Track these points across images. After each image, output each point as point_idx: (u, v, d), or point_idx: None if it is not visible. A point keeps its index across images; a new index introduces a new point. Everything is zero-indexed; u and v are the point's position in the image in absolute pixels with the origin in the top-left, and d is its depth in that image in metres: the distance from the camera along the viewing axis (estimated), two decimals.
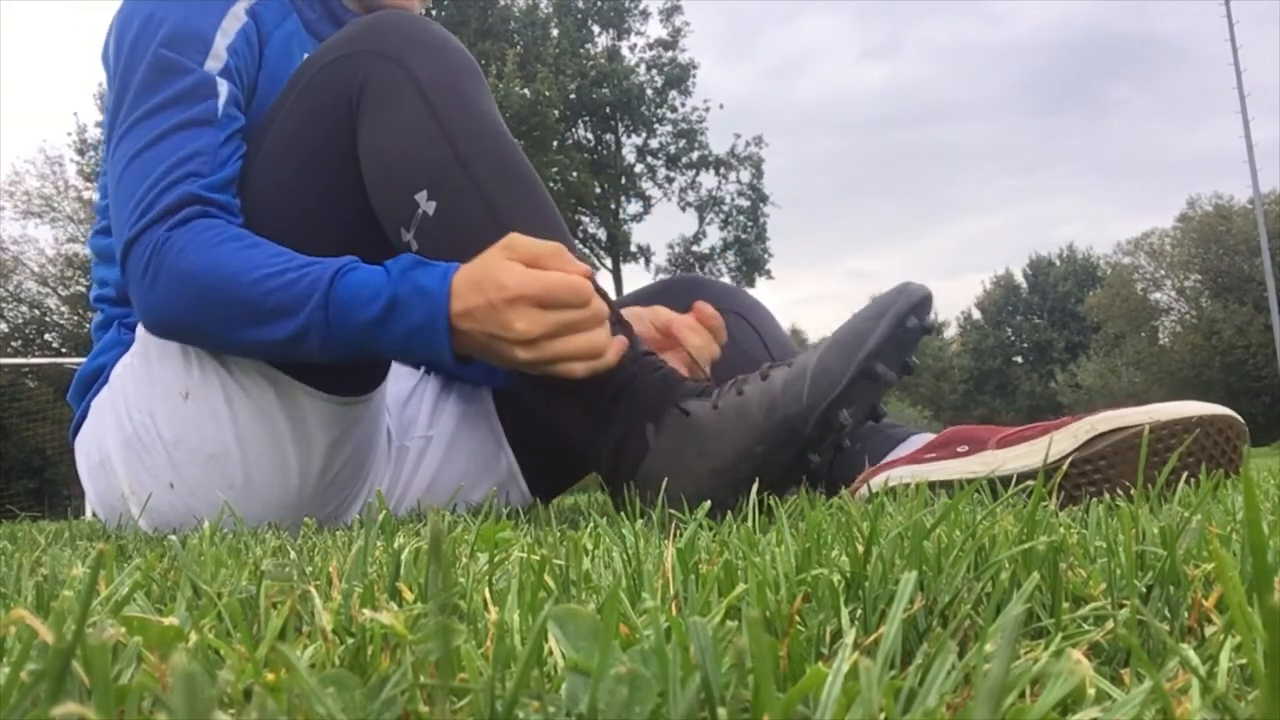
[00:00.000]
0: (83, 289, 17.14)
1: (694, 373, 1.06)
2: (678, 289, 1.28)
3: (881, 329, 0.83)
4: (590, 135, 20.81)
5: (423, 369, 1.38)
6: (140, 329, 1.15)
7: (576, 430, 0.94)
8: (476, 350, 0.92)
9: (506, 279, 0.88)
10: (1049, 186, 61.25)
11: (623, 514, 0.65)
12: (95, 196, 1.29)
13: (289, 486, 1.09)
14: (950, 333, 38.65)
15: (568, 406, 0.94)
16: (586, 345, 0.89)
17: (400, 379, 1.32)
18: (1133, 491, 0.74)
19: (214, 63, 1.07)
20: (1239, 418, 0.85)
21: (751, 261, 20.81)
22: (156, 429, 1.08)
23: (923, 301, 0.85)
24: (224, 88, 1.06)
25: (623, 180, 20.72)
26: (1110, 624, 0.33)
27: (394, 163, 0.96)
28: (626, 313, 1.13)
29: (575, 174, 18.82)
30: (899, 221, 61.80)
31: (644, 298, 1.29)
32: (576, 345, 0.89)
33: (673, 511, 0.66)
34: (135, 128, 1.04)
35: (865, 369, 0.81)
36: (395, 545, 0.50)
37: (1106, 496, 0.81)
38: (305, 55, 1.18)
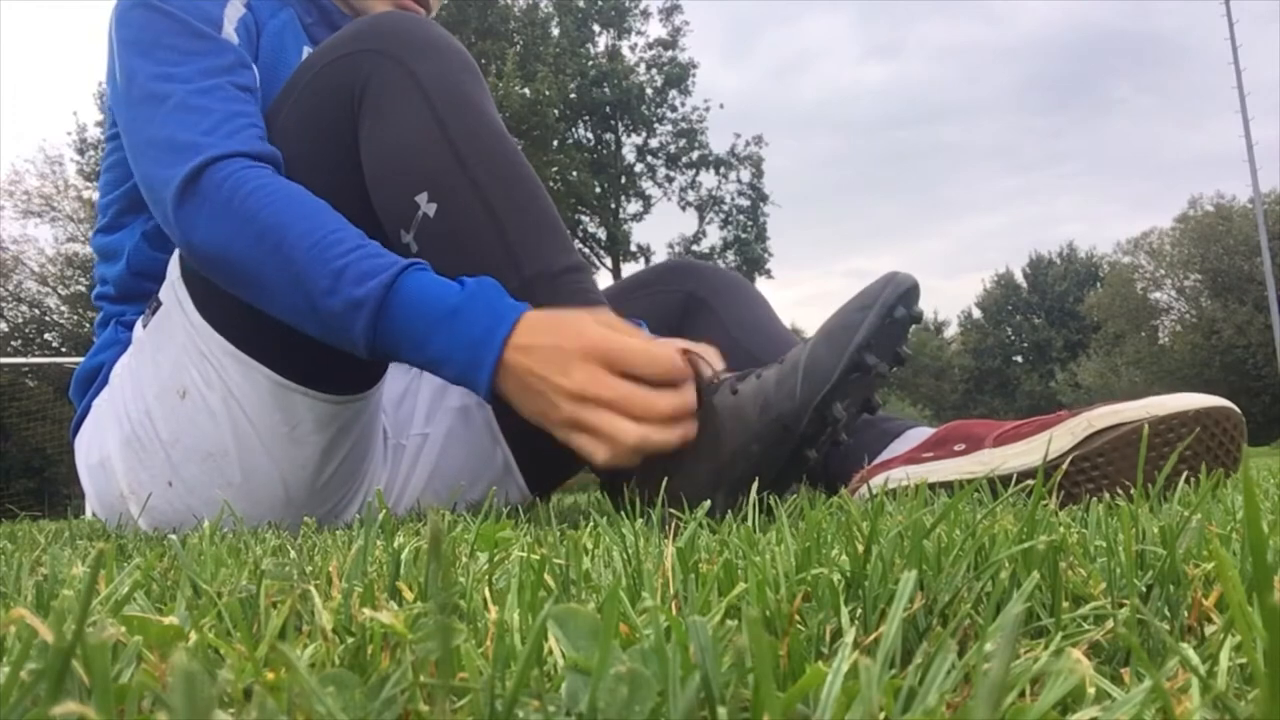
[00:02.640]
0: (83, 289, 17.15)
1: None
2: (671, 274, 1.28)
3: (870, 320, 0.82)
4: (590, 135, 20.82)
5: (414, 369, 1.38)
6: (138, 328, 1.16)
7: None
8: (517, 390, 0.87)
9: (587, 330, 0.85)
10: (1050, 186, 61.32)
11: (623, 513, 0.65)
12: (95, 196, 1.29)
13: (286, 485, 1.09)
14: (950, 332, 38.67)
15: None
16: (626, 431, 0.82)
17: (395, 378, 1.32)
18: (1132, 490, 0.74)
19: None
20: (1235, 408, 0.85)
21: (751, 261, 20.83)
22: (154, 428, 1.08)
23: (910, 290, 0.85)
24: (253, 67, 1.07)
25: (623, 180, 20.73)
26: (1110, 623, 0.33)
27: (395, 164, 0.96)
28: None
29: (575, 173, 18.83)
30: (900, 220, 61.86)
31: (637, 284, 1.29)
32: (617, 425, 0.82)
33: (672, 511, 0.66)
34: (184, 78, 1.00)
35: (856, 361, 0.81)
36: (395, 544, 0.50)
37: (1106, 495, 0.81)
38: (300, 49, 1.18)
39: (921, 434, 1.03)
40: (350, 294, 0.88)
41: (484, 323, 0.86)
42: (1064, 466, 0.84)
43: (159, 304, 1.12)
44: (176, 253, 1.11)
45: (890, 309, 0.83)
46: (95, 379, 1.21)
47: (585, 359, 0.84)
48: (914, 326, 0.87)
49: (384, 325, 0.88)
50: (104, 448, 1.14)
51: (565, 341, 0.84)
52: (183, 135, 0.97)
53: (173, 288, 1.09)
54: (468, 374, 0.88)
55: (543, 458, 1.30)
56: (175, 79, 1.01)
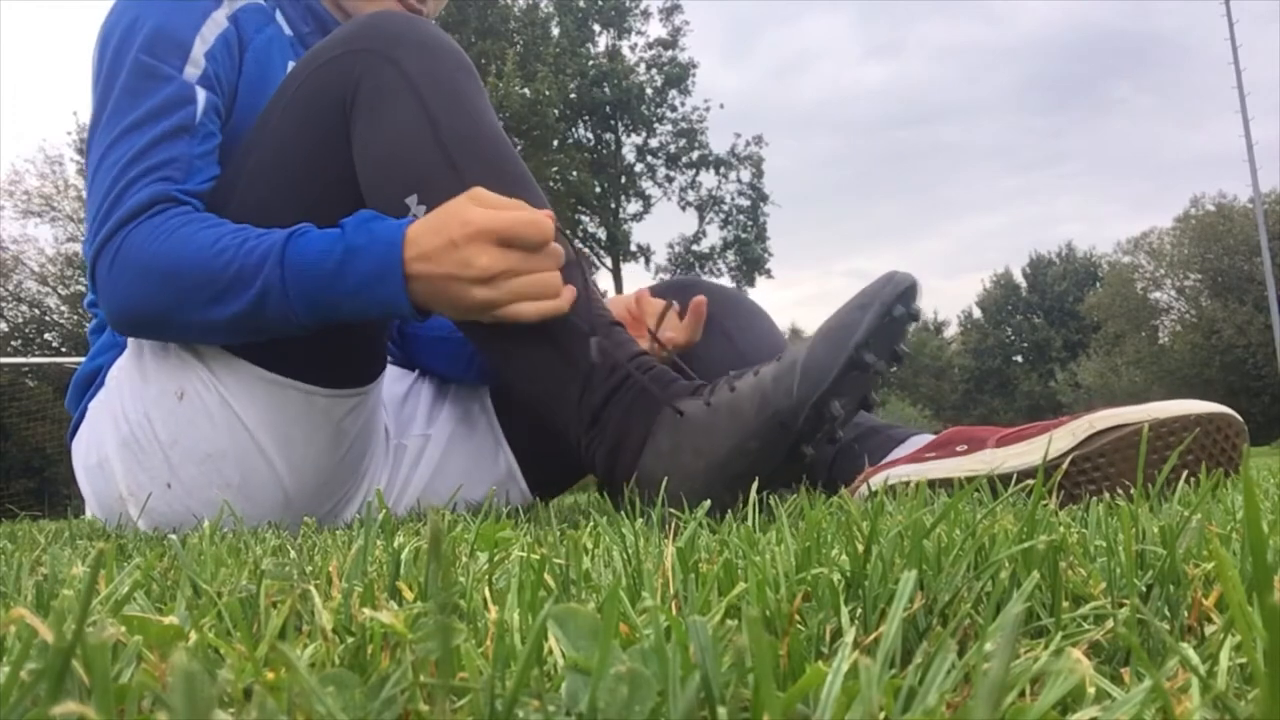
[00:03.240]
0: (82, 288, 17.15)
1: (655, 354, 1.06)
2: (676, 291, 1.28)
3: (869, 319, 0.83)
4: (590, 135, 20.83)
5: (416, 371, 1.38)
6: None
7: (571, 431, 0.94)
8: (433, 297, 0.92)
9: (471, 216, 0.89)
10: (1051, 186, 61.33)
11: (623, 513, 0.65)
12: None
13: (285, 485, 1.09)
14: (950, 331, 38.68)
15: (562, 407, 0.94)
16: (540, 284, 0.90)
17: (397, 379, 1.32)
18: (1132, 490, 0.74)
19: (192, 69, 1.07)
20: (1237, 416, 0.85)
21: (751, 261, 20.83)
22: (153, 430, 1.08)
23: (909, 289, 0.85)
24: (202, 96, 1.07)
25: (623, 180, 20.74)
26: (1110, 623, 0.33)
27: (386, 166, 0.96)
28: (610, 300, 1.13)
29: (575, 173, 18.84)
30: (901, 220, 61.87)
31: None
32: (531, 282, 0.90)
33: (672, 511, 0.66)
34: (113, 141, 1.05)
35: (854, 360, 0.81)
36: (395, 544, 0.50)
37: (1106, 495, 0.81)
38: (288, 62, 1.17)
39: (925, 440, 1.04)
40: (250, 293, 0.94)
41: (375, 253, 0.92)
42: (1064, 466, 0.84)
43: None
44: None
45: (889, 308, 0.83)
46: (93, 383, 1.21)
47: (476, 241, 0.89)
48: (914, 325, 0.87)
49: (295, 300, 0.94)
50: (102, 449, 1.14)
51: (454, 233, 0.90)
52: (93, 218, 1.04)
53: None
54: (389, 308, 0.93)
55: (546, 462, 1.29)
56: (107, 142, 1.05)
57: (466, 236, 0.89)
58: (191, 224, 0.98)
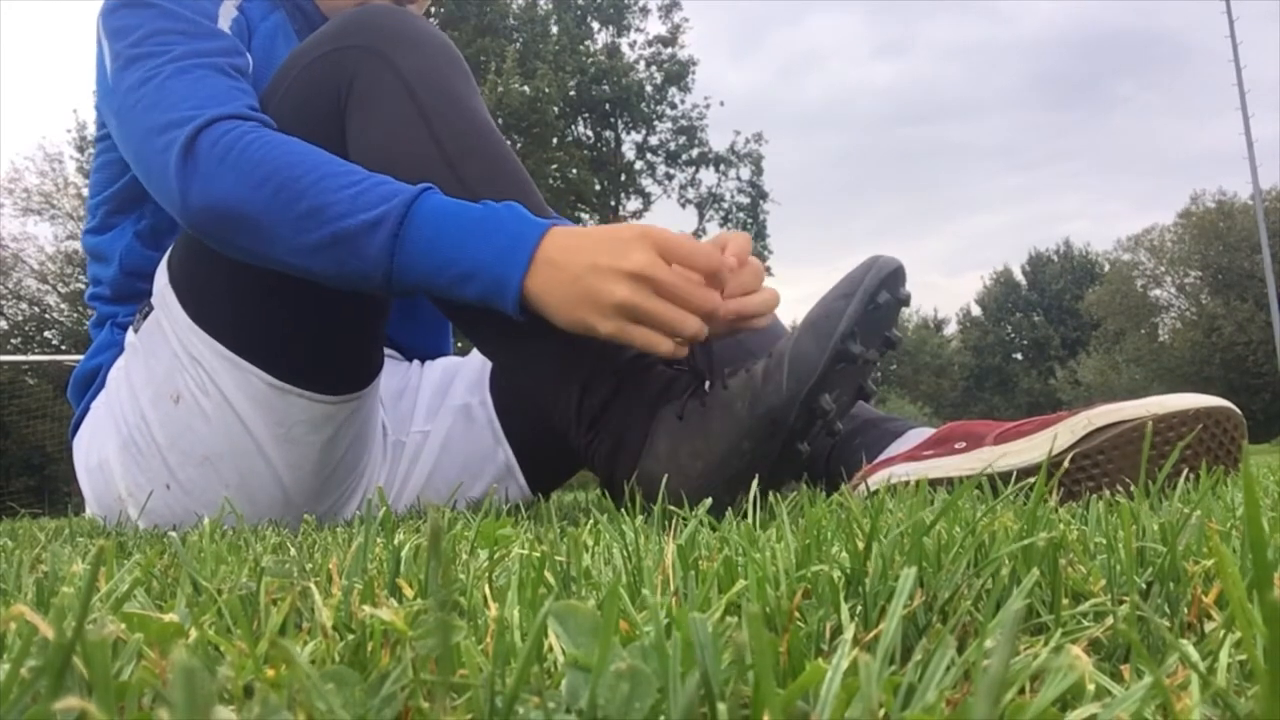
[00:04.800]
0: (82, 286, 17.14)
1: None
2: None
3: (852, 309, 0.80)
4: (590, 132, 20.81)
5: (414, 361, 1.38)
6: (130, 333, 1.15)
7: (571, 432, 0.94)
8: (558, 283, 0.83)
9: (636, 223, 0.84)
10: (1056, 183, 61.34)
11: (623, 510, 0.65)
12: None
13: (284, 485, 1.09)
14: (950, 329, 38.67)
15: (562, 410, 0.94)
16: (679, 318, 0.82)
17: (392, 374, 1.32)
18: (1132, 487, 0.74)
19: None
20: (1236, 409, 0.85)
21: None
22: (150, 432, 1.08)
23: (893, 274, 0.83)
24: (247, 55, 1.07)
25: (622, 177, 20.72)
26: (1110, 620, 0.33)
27: (381, 164, 0.94)
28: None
29: (575, 171, 18.83)
30: (905, 218, 61.89)
31: None
32: (675, 312, 0.81)
33: (672, 508, 0.66)
34: (187, 52, 1.00)
35: (840, 352, 0.79)
36: (395, 542, 0.50)
37: (1106, 493, 0.81)
38: (290, 50, 1.18)
39: (923, 434, 1.03)
40: (368, 214, 0.86)
41: (516, 228, 0.85)
42: (1064, 464, 0.84)
43: (150, 309, 1.11)
44: (164, 259, 1.11)
45: (872, 296, 0.81)
46: (93, 381, 1.21)
47: (642, 240, 0.82)
48: (905, 309, 0.86)
49: (406, 238, 0.85)
50: (102, 451, 1.14)
51: (619, 230, 0.84)
52: (175, 112, 0.95)
53: (161, 295, 1.09)
54: (498, 276, 0.84)
55: (544, 457, 1.29)
56: (167, 59, 1.00)
57: (633, 234, 0.82)
58: (316, 150, 0.92)
